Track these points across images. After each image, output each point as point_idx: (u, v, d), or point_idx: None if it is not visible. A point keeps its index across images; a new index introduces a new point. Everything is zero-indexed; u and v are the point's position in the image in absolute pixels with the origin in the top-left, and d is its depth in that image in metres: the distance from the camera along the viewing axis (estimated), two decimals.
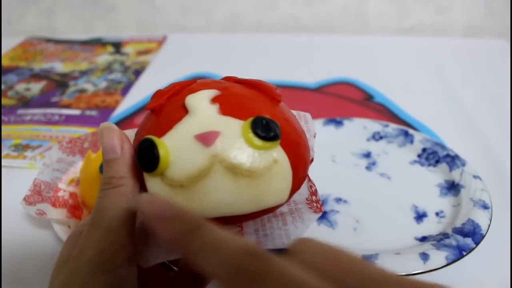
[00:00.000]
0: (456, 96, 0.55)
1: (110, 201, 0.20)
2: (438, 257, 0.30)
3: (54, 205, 0.36)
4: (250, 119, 0.19)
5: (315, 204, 0.23)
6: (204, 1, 0.78)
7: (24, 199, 0.35)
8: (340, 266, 0.14)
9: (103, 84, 0.61)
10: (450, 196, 0.38)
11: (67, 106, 0.56)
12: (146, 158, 0.19)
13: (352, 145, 0.44)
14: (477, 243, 0.31)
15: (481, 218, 0.33)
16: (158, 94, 0.22)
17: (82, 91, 0.60)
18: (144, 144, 0.19)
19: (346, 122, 0.46)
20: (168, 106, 0.21)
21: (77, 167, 0.40)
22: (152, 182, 0.19)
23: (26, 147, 0.48)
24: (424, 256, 0.30)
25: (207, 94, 0.20)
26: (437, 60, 0.64)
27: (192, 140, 0.19)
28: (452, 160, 0.40)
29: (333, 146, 0.44)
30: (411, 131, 0.44)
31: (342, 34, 0.75)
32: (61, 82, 0.63)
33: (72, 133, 0.50)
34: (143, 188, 0.21)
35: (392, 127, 0.45)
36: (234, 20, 0.79)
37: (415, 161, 0.42)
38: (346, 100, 0.55)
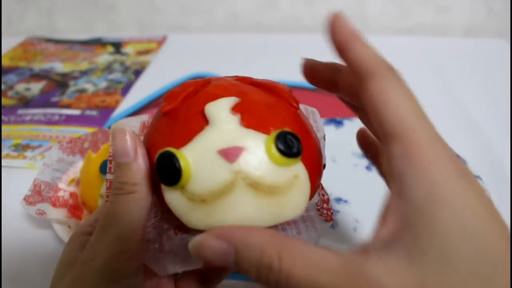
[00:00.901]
0: (456, 96, 0.55)
1: (122, 208, 0.20)
2: None
3: (54, 205, 0.36)
4: (273, 135, 0.19)
5: (325, 212, 0.24)
6: (204, 1, 0.78)
7: (24, 199, 0.35)
8: None
9: (103, 84, 0.61)
10: None
11: (67, 106, 0.56)
12: (167, 172, 0.18)
13: (352, 145, 0.44)
14: None
15: None
16: (171, 95, 0.21)
17: (82, 91, 0.60)
18: (165, 158, 0.19)
19: (346, 122, 0.46)
20: (185, 111, 0.21)
21: (77, 167, 0.40)
22: (172, 195, 0.19)
23: (26, 147, 0.48)
24: None
25: (227, 103, 0.20)
26: (437, 60, 0.64)
27: (215, 154, 0.18)
28: None
29: (333, 146, 0.44)
30: None
31: None
32: (61, 82, 0.63)
33: (72, 133, 0.50)
34: (157, 194, 0.20)
35: None
36: (234, 20, 0.79)
37: None
38: None
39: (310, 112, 0.25)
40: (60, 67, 0.67)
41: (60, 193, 0.38)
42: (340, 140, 0.45)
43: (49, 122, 0.53)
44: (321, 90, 0.25)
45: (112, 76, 0.64)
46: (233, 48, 0.71)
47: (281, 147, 0.18)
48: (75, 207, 0.37)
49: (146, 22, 0.82)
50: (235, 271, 0.17)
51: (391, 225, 0.16)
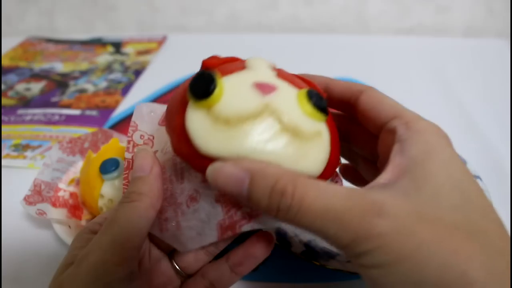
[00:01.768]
0: (456, 96, 0.55)
1: (123, 214, 0.21)
2: None
3: (54, 205, 0.36)
4: (306, 89, 0.20)
5: None
6: (204, 1, 0.78)
7: (24, 199, 0.35)
8: None
9: (103, 84, 0.61)
10: None
11: (67, 106, 0.56)
12: (201, 85, 0.19)
13: None
14: None
15: None
16: (211, 58, 0.22)
17: (82, 91, 0.60)
18: (202, 73, 0.19)
19: None
20: (226, 66, 0.22)
21: (77, 167, 0.40)
22: (195, 113, 0.19)
23: (26, 147, 0.48)
24: None
25: (266, 62, 0.22)
26: (437, 60, 0.64)
27: (250, 85, 0.20)
28: None
29: None
30: None
31: (342, 34, 0.75)
32: (61, 82, 0.63)
33: (72, 133, 0.50)
34: (177, 146, 0.21)
35: None
36: (234, 20, 0.79)
37: None
38: None
39: None
40: (60, 67, 0.67)
41: (60, 193, 0.38)
42: None
43: (49, 122, 0.53)
44: None
45: (112, 76, 0.64)
46: (233, 48, 0.71)
47: (312, 97, 0.20)
48: (75, 207, 0.37)
49: (146, 22, 0.82)
50: (246, 202, 0.18)
51: (390, 173, 0.19)
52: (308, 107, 0.19)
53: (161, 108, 0.26)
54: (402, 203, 0.17)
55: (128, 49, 0.72)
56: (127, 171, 0.24)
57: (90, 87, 0.61)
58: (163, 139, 0.25)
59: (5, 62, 0.70)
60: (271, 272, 0.33)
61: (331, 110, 0.24)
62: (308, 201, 0.16)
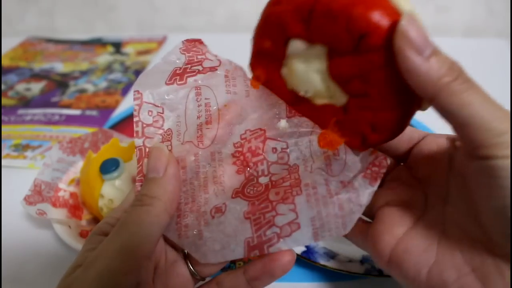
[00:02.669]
0: None
1: (134, 218, 0.20)
2: None
3: (54, 205, 0.36)
4: None
5: (369, 171, 0.22)
6: (204, 1, 0.78)
7: (25, 199, 0.35)
8: None
9: (103, 84, 0.61)
10: None
11: (67, 106, 0.56)
12: None
13: None
14: None
15: None
16: None
17: (82, 91, 0.60)
18: None
19: None
20: None
21: (77, 167, 0.40)
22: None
23: (26, 147, 0.48)
24: None
25: None
26: None
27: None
28: None
29: None
30: None
31: None
32: (61, 82, 0.63)
33: (72, 133, 0.50)
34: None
35: None
36: (234, 20, 0.79)
37: None
38: None
39: None
40: (60, 67, 0.67)
41: (61, 193, 0.38)
42: None
43: (49, 122, 0.53)
44: None
45: (112, 76, 0.64)
46: (233, 48, 0.71)
47: None
48: (75, 207, 0.37)
49: (146, 22, 0.82)
50: (412, 64, 0.19)
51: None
52: None
53: (164, 65, 0.24)
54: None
55: (128, 49, 0.72)
56: (141, 162, 0.22)
57: (90, 87, 0.61)
58: (174, 106, 0.23)
59: (5, 62, 0.70)
60: None
61: None
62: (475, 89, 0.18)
